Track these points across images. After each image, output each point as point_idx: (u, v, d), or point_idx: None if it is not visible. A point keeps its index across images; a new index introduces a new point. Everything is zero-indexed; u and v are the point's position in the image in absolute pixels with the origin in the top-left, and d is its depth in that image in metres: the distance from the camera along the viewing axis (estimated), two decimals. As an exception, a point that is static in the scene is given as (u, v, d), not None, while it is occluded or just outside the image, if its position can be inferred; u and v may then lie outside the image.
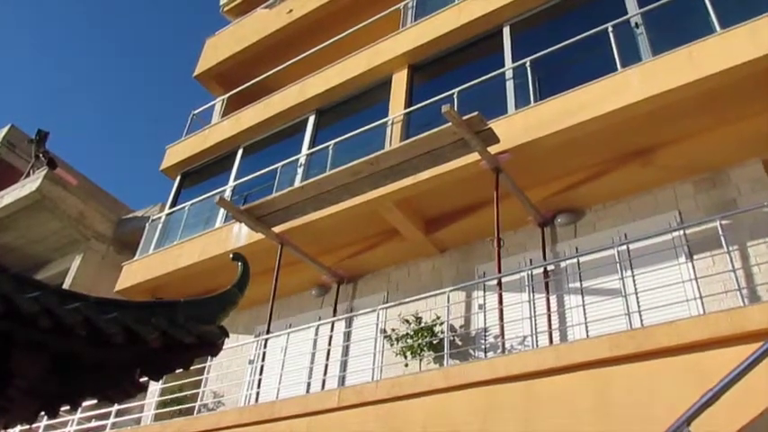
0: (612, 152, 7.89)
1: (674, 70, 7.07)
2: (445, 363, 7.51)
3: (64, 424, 10.18)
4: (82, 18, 46.12)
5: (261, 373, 9.10)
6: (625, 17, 8.18)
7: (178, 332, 3.57)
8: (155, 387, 9.84)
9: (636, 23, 8.05)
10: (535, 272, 7.99)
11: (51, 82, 48.18)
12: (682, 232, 7.19)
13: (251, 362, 9.27)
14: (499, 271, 7.19)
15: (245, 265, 4.60)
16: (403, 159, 7.78)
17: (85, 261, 14.88)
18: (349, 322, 9.21)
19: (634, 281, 7.03)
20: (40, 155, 16.75)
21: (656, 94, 7.03)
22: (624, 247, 7.15)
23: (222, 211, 11.03)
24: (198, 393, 9.30)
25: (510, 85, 8.73)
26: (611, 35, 8.03)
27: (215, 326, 3.87)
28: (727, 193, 7.46)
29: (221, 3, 16.48)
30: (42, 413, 3.74)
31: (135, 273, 11.69)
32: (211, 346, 3.82)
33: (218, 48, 15.04)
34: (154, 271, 11.29)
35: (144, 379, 3.74)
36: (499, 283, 7.15)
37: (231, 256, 4.79)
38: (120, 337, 3.32)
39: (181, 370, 3.84)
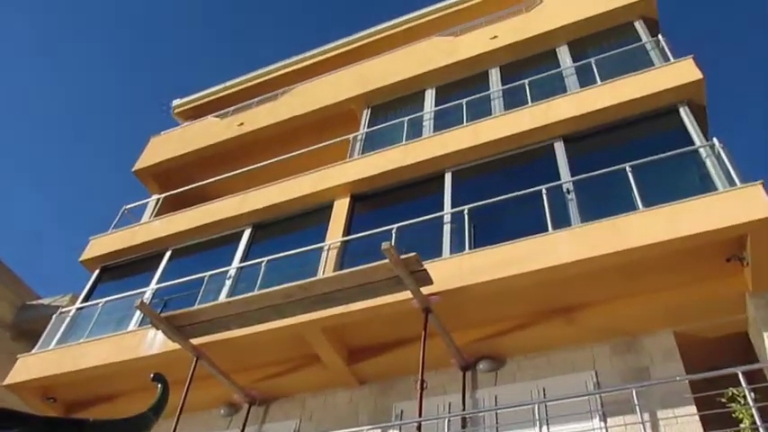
0: (537, 306, 8.19)
1: (600, 238, 7.57)
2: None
3: None
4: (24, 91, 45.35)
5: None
6: (558, 182, 8.82)
7: (84, 459, 3.32)
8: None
9: (567, 189, 8.66)
10: (454, 418, 7.93)
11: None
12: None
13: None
14: (420, 414, 7.11)
15: (164, 387, 4.40)
16: (336, 288, 7.79)
17: (-25, 346, 13.75)
18: (256, 449, 8.75)
19: (550, 438, 7.09)
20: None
21: (583, 258, 7.48)
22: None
23: (138, 313, 10.57)
24: None
25: (447, 229, 9.07)
26: (544, 197, 8.59)
27: (124, 454, 3.62)
28: (640, 359, 7.79)
29: (173, 105, 16.73)
30: None
31: (30, 368, 10.83)
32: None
33: (163, 147, 15.07)
34: (52, 368, 10.50)
35: None
36: (419, 428, 7.04)
37: (151, 375, 4.57)
38: (19, 461, 3.05)
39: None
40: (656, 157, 8.36)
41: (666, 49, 10.21)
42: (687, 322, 7.75)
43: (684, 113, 9.10)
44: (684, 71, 9.42)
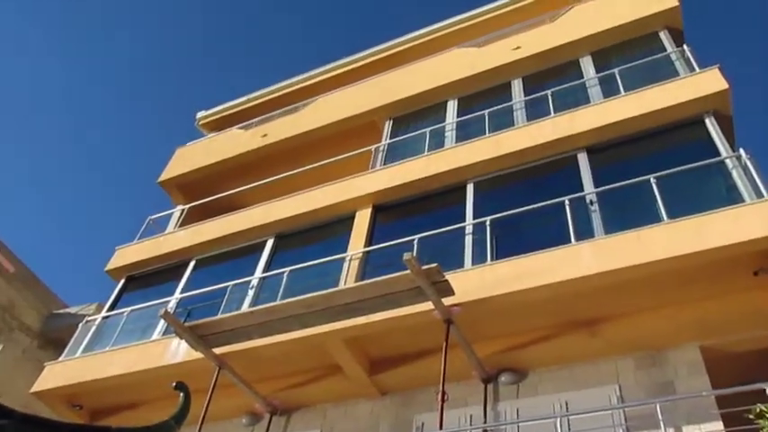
0: (560, 319, 8.12)
1: (624, 250, 7.49)
2: None
3: None
4: (47, 113, 46.31)
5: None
6: (581, 194, 8.76)
7: (107, 466, 3.37)
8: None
9: (590, 201, 8.60)
10: (475, 430, 7.88)
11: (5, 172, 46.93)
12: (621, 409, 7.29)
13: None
14: (441, 426, 7.07)
15: (186, 396, 4.45)
16: (358, 299, 7.80)
17: (3, 353, 14.02)
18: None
19: (573, 452, 7.00)
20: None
21: (606, 270, 7.40)
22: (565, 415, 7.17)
23: (162, 323, 10.69)
24: None
25: (469, 240, 9.05)
26: (567, 208, 8.53)
27: (146, 462, 3.67)
28: (665, 373, 7.66)
29: (197, 117, 16.96)
30: None
31: (56, 375, 11.00)
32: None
33: (188, 158, 15.27)
34: (78, 376, 10.64)
35: None
36: (440, 440, 7.00)
37: (174, 384, 4.62)
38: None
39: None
40: (681, 168, 8.27)
41: (691, 59, 10.11)
42: (713, 336, 7.61)
43: (710, 124, 8.98)
44: (710, 81, 9.31)
